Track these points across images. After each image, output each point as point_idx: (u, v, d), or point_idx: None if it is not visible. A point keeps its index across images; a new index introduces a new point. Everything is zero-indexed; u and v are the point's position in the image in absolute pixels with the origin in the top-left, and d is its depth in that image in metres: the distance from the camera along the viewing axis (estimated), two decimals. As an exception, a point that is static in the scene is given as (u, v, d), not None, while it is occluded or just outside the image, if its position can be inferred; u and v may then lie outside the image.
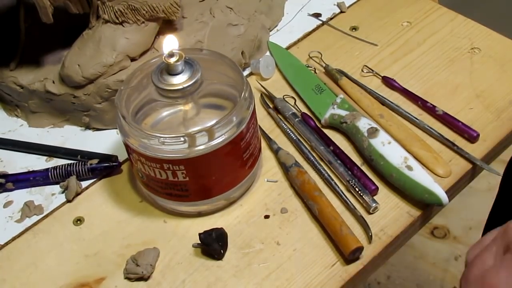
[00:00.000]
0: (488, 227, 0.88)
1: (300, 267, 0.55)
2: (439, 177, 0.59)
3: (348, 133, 0.63)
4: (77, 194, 0.63)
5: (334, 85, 0.69)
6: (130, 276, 0.56)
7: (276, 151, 0.63)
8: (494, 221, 0.87)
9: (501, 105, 0.65)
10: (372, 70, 0.70)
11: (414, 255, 1.41)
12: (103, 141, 0.68)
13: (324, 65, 0.71)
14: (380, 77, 0.69)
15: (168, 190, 0.57)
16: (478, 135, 0.62)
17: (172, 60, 0.53)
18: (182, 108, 0.56)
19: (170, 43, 0.55)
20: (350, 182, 0.59)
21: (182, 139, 0.52)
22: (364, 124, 0.62)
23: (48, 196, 0.63)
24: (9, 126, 0.72)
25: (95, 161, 0.63)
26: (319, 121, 0.66)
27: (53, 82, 0.67)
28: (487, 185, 1.49)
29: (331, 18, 0.78)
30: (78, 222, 0.61)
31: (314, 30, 0.77)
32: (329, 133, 0.65)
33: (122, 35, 0.65)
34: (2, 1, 0.76)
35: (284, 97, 0.68)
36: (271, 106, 0.69)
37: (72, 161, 0.64)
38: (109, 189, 0.63)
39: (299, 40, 0.76)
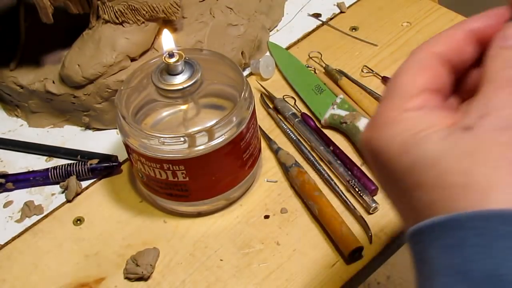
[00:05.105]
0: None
1: (300, 267, 0.55)
2: (439, 177, 0.59)
3: (348, 133, 0.63)
4: (77, 194, 0.63)
5: (334, 85, 0.69)
6: (130, 276, 0.55)
7: (276, 151, 0.63)
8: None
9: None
10: (372, 70, 0.70)
11: (414, 255, 1.41)
12: (103, 141, 0.68)
13: (324, 65, 0.71)
14: (380, 77, 0.69)
15: (168, 190, 0.57)
16: (478, 135, 0.62)
17: (172, 60, 0.53)
18: (182, 108, 0.56)
19: (165, 38, 0.55)
20: (350, 182, 0.59)
21: (182, 139, 0.52)
22: (364, 124, 0.61)
23: (48, 196, 0.63)
24: (9, 126, 0.71)
25: (95, 161, 0.63)
26: (319, 121, 0.66)
27: (53, 82, 0.67)
28: (487, 185, 1.49)
29: (331, 18, 0.78)
30: (78, 222, 0.61)
31: (314, 30, 0.77)
32: (329, 133, 0.65)
33: (122, 35, 0.65)
34: (2, 1, 0.76)
35: (284, 97, 0.68)
36: (271, 106, 0.69)
37: (72, 161, 0.64)
38: (109, 189, 0.63)
39: (299, 40, 0.76)
